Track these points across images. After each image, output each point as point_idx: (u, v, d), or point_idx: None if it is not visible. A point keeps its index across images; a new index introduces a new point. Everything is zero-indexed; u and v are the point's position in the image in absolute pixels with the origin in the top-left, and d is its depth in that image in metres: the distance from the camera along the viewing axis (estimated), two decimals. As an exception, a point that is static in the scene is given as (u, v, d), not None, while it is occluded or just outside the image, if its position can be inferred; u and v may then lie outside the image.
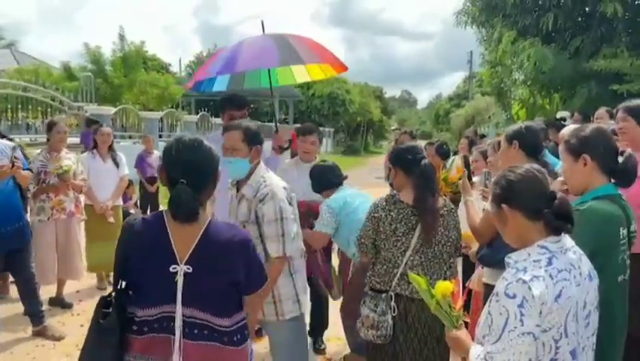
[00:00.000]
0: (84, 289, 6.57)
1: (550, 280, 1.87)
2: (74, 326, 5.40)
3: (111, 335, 2.14)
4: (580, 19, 15.75)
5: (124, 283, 2.20)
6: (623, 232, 2.57)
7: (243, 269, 2.19)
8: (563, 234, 1.98)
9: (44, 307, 5.64)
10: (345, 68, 5.30)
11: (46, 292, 5.87)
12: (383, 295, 3.11)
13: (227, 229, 2.24)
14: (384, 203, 3.17)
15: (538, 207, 1.95)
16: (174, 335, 2.12)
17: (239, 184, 3.22)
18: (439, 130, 51.53)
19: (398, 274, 3.09)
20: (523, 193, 1.99)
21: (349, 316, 3.99)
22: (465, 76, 49.60)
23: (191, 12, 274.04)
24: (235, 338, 2.20)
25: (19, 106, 12.93)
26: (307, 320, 4.74)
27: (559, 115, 8.73)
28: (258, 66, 4.94)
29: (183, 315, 2.12)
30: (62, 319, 5.59)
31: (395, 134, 20.36)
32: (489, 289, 3.24)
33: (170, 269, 2.11)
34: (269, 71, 5.10)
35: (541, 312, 1.83)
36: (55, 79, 23.99)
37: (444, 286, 2.19)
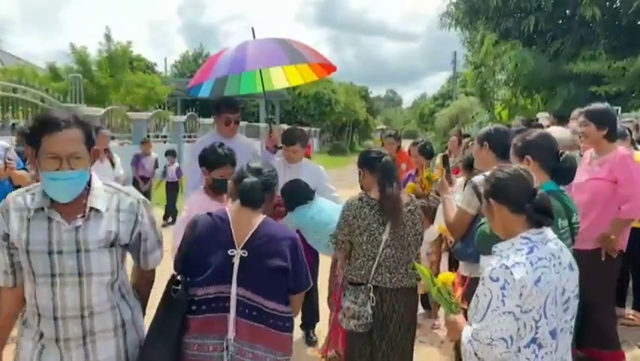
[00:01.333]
0: None
1: (531, 267, 2.10)
2: None
3: (180, 308, 2.42)
4: (560, 21, 16.10)
5: (186, 268, 2.50)
6: (562, 222, 2.89)
7: (290, 263, 2.48)
8: (545, 227, 2.23)
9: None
10: (334, 69, 5.41)
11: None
12: (362, 287, 3.36)
13: (280, 226, 2.63)
14: (357, 201, 3.43)
15: (521, 202, 2.19)
16: (229, 313, 2.40)
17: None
18: (424, 130, 51.85)
19: (374, 267, 3.34)
20: (508, 190, 2.23)
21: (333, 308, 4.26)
22: (449, 76, 49.96)
23: (176, 11, 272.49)
24: (281, 324, 2.48)
25: (10, 107, 12.96)
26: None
27: (541, 115, 9.01)
28: (268, 64, 5.08)
29: (237, 295, 2.41)
30: None
31: (381, 135, 20.57)
32: (470, 281, 3.47)
33: (229, 252, 2.43)
34: (261, 74, 5.24)
35: (521, 294, 2.07)
36: (40, 79, 23.91)
37: (445, 276, 2.48)
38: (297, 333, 5.23)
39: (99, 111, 15.57)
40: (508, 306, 2.07)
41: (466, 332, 2.22)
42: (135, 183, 9.98)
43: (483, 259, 3.08)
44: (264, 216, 2.56)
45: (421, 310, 5.70)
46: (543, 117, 8.68)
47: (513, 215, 2.22)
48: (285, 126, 24.07)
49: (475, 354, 2.15)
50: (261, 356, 2.43)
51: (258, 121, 30.15)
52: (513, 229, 2.23)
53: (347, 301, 3.39)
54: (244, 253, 2.43)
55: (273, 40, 5.02)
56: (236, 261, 2.42)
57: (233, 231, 2.48)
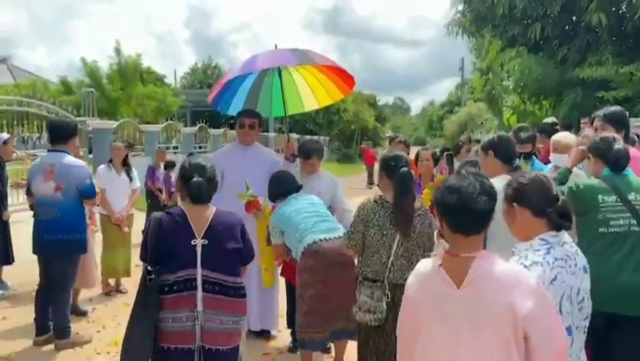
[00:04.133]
0: (95, 297, 6.86)
1: (547, 266, 2.23)
2: (90, 333, 5.65)
3: (154, 292, 3.01)
4: (566, 28, 16.16)
5: (157, 260, 3.10)
6: (606, 198, 3.41)
7: (241, 243, 3.17)
8: (561, 230, 2.36)
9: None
10: (353, 81, 5.59)
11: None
12: (378, 283, 3.55)
13: (229, 214, 3.25)
14: (373, 202, 3.66)
15: (543, 206, 2.33)
16: (197, 290, 3.03)
17: None
18: (433, 136, 51.86)
19: (388, 265, 3.54)
20: (532, 195, 2.36)
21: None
22: (457, 83, 50.01)
23: (183, 22, 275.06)
24: (238, 292, 3.15)
25: (24, 121, 13.17)
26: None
27: (546, 122, 8.96)
28: (276, 63, 5.30)
29: (202, 275, 3.05)
30: (78, 326, 5.77)
31: (390, 141, 20.54)
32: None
33: (192, 242, 3.04)
34: (284, 99, 5.46)
35: None
36: (52, 93, 24.27)
37: None
38: (285, 334, 5.43)
39: (112, 124, 15.78)
40: None
41: None
42: (152, 196, 10.07)
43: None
44: (214, 207, 3.17)
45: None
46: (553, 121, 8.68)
47: (535, 218, 2.35)
48: (295, 135, 24.32)
49: None
50: (225, 321, 3.08)
51: (267, 130, 30.37)
52: (533, 232, 2.35)
53: (363, 296, 3.57)
54: (205, 241, 3.06)
55: (285, 48, 5.24)
56: (198, 249, 3.04)
57: (192, 225, 3.07)
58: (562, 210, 2.34)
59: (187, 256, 3.02)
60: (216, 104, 5.75)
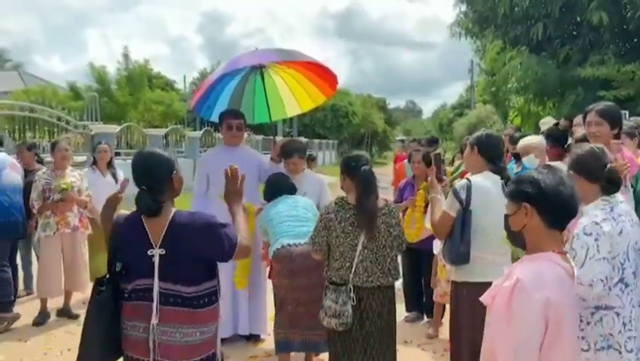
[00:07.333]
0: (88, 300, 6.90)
1: (614, 221, 2.68)
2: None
3: (106, 305, 2.76)
4: (568, 27, 16.08)
5: (118, 266, 2.78)
6: None
7: (209, 246, 2.70)
8: (614, 193, 2.78)
9: (52, 318, 6.04)
10: (336, 80, 5.58)
11: (53, 303, 6.19)
12: (343, 287, 3.51)
13: (189, 216, 2.77)
14: (334, 205, 3.62)
15: (596, 173, 2.76)
16: (153, 302, 2.68)
17: None
18: (444, 139, 51.71)
19: (353, 268, 3.50)
20: (587, 163, 2.80)
21: None
22: (467, 85, 49.77)
23: (196, 28, 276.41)
24: (202, 302, 2.73)
25: (27, 126, 13.32)
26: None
27: (543, 121, 8.89)
28: (258, 61, 5.32)
29: (160, 287, 2.68)
30: (70, 329, 5.75)
31: (399, 145, 20.59)
32: (454, 286, 3.54)
33: (148, 253, 2.68)
34: (267, 103, 5.50)
35: (610, 244, 2.63)
36: (61, 99, 24.53)
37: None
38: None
39: (115, 128, 15.90)
40: (603, 253, 2.61)
41: None
42: None
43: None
44: (173, 211, 2.74)
45: (406, 312, 5.83)
46: (545, 123, 8.61)
47: (590, 184, 2.76)
48: (303, 139, 24.31)
49: (577, 295, 2.44)
50: (191, 333, 2.73)
51: (276, 134, 30.28)
52: (590, 196, 2.75)
53: (328, 301, 3.53)
54: (162, 251, 2.68)
55: (268, 48, 5.29)
56: (155, 259, 2.68)
57: (149, 233, 2.71)
58: (611, 176, 2.77)
59: (143, 266, 2.69)
60: (198, 109, 5.75)
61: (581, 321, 2.63)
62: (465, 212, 3.32)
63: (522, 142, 5.27)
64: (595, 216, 2.67)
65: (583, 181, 2.75)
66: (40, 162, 6.26)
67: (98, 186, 6.61)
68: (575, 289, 2.34)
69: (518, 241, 2.27)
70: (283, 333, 4.26)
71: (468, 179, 3.44)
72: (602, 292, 2.59)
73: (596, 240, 2.61)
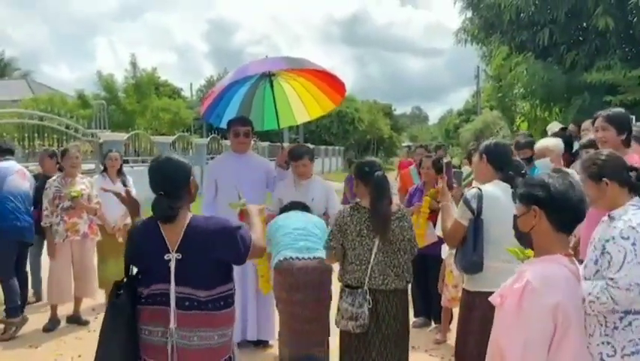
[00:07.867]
0: (98, 306, 6.79)
1: None
2: (92, 342, 5.67)
3: (123, 310, 2.73)
4: (574, 32, 16.07)
5: (134, 270, 2.82)
6: None
7: (225, 249, 2.73)
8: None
9: (62, 324, 6.08)
10: (344, 88, 5.63)
11: (63, 310, 6.25)
12: (359, 290, 3.56)
13: (204, 221, 2.80)
14: (349, 210, 3.69)
15: (626, 177, 2.77)
16: (170, 307, 2.69)
17: None
18: (450, 145, 51.61)
19: (369, 271, 3.55)
20: (616, 168, 2.79)
21: None
22: (473, 91, 49.74)
23: (203, 36, 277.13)
24: (218, 305, 2.74)
25: (36, 135, 13.43)
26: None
27: (550, 127, 8.94)
28: (267, 68, 5.37)
29: (176, 292, 2.69)
30: (80, 335, 5.87)
31: (405, 151, 20.64)
32: (466, 294, 3.57)
33: (165, 257, 2.69)
34: (276, 111, 5.54)
35: None
36: (69, 107, 24.68)
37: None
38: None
39: (123, 136, 16.01)
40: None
41: (588, 285, 2.61)
42: None
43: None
44: (190, 216, 2.77)
45: (414, 317, 5.82)
46: (551, 128, 8.65)
47: (621, 188, 2.76)
48: (310, 146, 24.31)
49: (612, 299, 2.54)
50: (207, 336, 2.73)
51: (282, 141, 30.31)
52: (621, 200, 2.76)
53: (344, 304, 3.58)
54: (178, 255, 2.70)
55: (277, 56, 5.34)
56: (172, 264, 2.70)
57: (165, 238, 2.73)
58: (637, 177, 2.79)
59: (160, 271, 2.70)
60: (208, 116, 5.79)
61: (607, 326, 2.63)
62: (477, 221, 3.35)
63: (539, 143, 5.28)
64: (629, 220, 2.66)
65: (615, 186, 2.76)
66: (61, 169, 6.32)
67: (108, 193, 6.64)
68: (609, 292, 2.51)
69: (525, 241, 2.33)
70: (287, 350, 4.29)
71: (479, 188, 3.46)
72: (638, 296, 2.58)
73: (634, 244, 2.59)
